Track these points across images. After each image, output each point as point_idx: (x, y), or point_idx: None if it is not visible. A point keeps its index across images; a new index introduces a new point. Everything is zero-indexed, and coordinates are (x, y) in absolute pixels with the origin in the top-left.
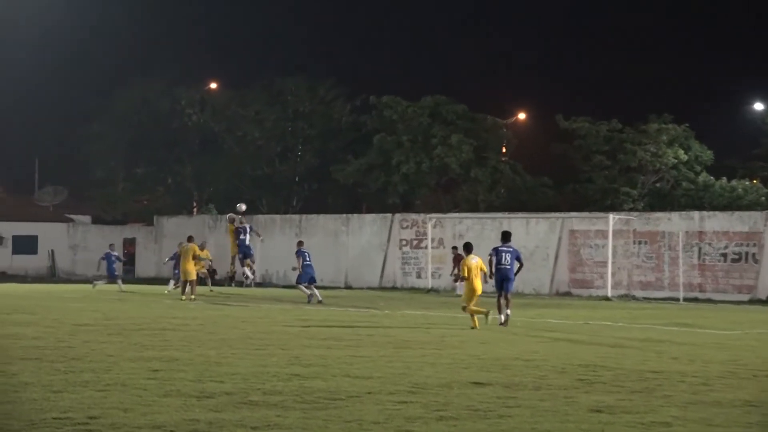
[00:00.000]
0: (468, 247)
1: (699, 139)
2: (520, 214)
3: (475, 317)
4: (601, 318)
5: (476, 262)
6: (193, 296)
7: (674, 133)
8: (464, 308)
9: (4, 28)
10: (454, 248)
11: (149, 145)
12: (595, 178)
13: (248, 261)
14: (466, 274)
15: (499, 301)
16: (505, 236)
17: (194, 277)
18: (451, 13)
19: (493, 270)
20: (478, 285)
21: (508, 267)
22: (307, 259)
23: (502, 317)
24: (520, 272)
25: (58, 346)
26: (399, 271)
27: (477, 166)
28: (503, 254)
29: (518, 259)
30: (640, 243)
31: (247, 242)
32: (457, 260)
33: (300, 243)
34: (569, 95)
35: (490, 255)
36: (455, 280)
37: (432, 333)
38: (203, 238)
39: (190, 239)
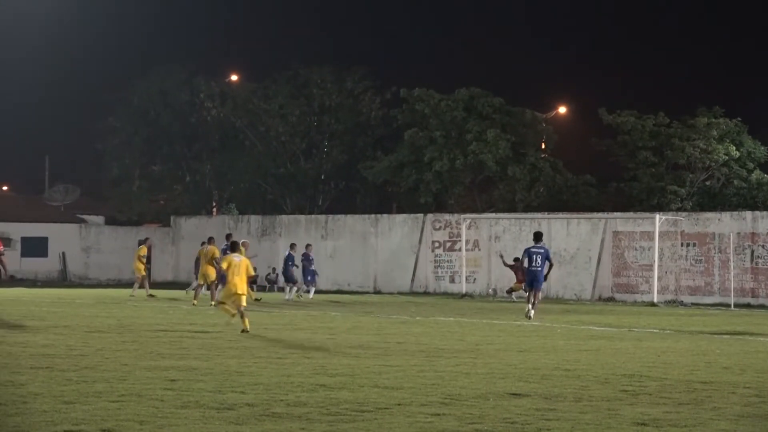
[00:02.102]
0: (234, 246)
1: (752, 134)
2: (560, 215)
3: (228, 308)
4: (646, 325)
5: (239, 260)
6: (213, 302)
7: (725, 128)
8: (217, 303)
9: (16, 21)
10: (516, 260)
11: (166, 140)
12: (640, 176)
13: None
14: (225, 266)
15: (528, 296)
16: (537, 237)
17: (214, 280)
18: (488, 2)
19: (525, 270)
20: (237, 283)
21: (539, 269)
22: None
23: (531, 309)
24: (562, 277)
25: (70, 354)
26: (431, 275)
27: (514, 163)
28: (534, 255)
29: (548, 259)
30: (688, 245)
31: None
32: (515, 270)
33: (292, 246)
34: (613, 87)
35: (522, 256)
36: (508, 291)
37: (466, 341)
38: (223, 240)
39: (210, 241)
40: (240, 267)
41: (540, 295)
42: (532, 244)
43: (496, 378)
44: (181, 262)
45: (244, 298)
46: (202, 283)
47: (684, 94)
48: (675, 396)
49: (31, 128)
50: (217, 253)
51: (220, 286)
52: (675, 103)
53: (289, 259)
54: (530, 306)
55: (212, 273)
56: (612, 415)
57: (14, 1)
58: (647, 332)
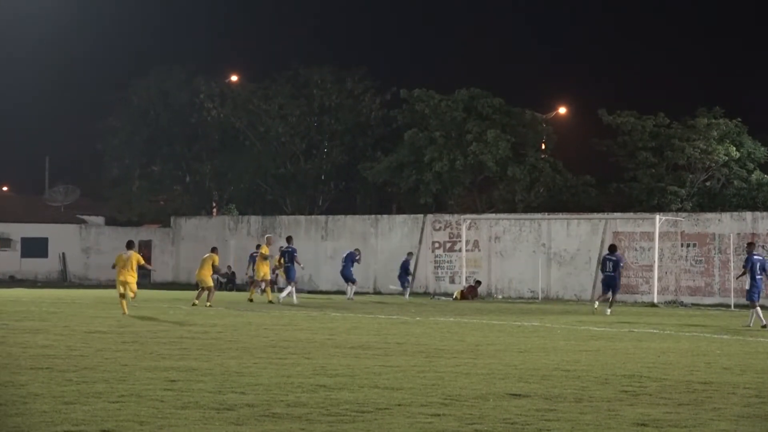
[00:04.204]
0: (129, 244)
1: (752, 135)
2: (560, 215)
3: (124, 304)
4: (646, 325)
5: (128, 256)
6: (208, 303)
7: (725, 129)
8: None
9: (16, 21)
10: (478, 283)
11: (166, 140)
12: (640, 176)
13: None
14: (116, 262)
15: (609, 300)
16: (611, 248)
17: (211, 284)
18: (488, 2)
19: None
20: (125, 276)
21: (611, 274)
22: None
23: (607, 309)
24: (562, 278)
25: (70, 354)
26: (431, 276)
27: (514, 163)
28: (607, 262)
29: (618, 265)
30: (688, 246)
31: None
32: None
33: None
34: (613, 88)
35: (601, 263)
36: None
37: (466, 341)
38: (223, 240)
39: (214, 250)
40: (129, 261)
41: (616, 296)
42: (607, 252)
43: (496, 378)
44: (181, 263)
45: (132, 286)
46: (203, 286)
47: (684, 94)
48: (675, 396)
49: (31, 128)
50: (217, 261)
51: (290, 286)
52: (675, 104)
53: (349, 259)
54: (608, 307)
55: (209, 278)
56: (612, 416)
57: (14, 1)
58: (647, 333)
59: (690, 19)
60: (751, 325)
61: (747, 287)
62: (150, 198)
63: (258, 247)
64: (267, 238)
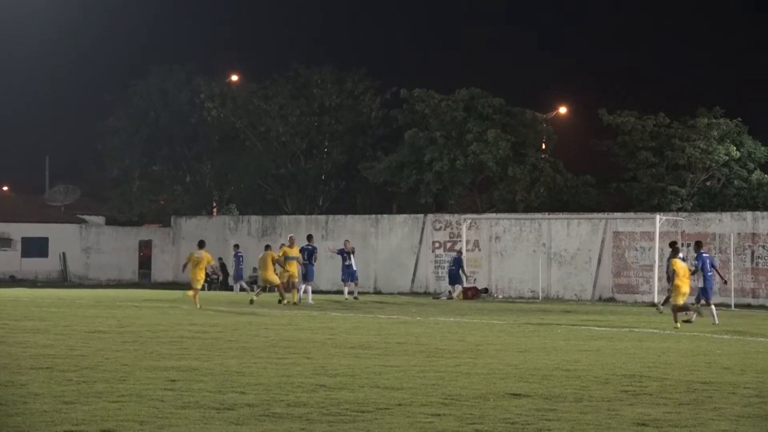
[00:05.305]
0: (201, 244)
1: (752, 135)
2: (560, 215)
3: (196, 298)
4: (646, 325)
5: (199, 255)
6: (285, 300)
7: (725, 128)
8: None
9: (16, 22)
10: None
11: (166, 140)
12: (640, 176)
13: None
14: (187, 260)
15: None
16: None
17: (278, 282)
18: (488, 2)
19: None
20: (197, 274)
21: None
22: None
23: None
24: (563, 277)
25: (70, 354)
26: (432, 276)
27: (515, 163)
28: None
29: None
30: (689, 245)
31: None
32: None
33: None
34: (613, 88)
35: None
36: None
37: (467, 341)
38: (223, 240)
39: (267, 248)
40: (201, 260)
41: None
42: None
43: (496, 378)
44: (181, 263)
45: (199, 283)
46: (266, 285)
47: (684, 94)
48: (675, 396)
49: (31, 128)
50: (276, 255)
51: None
52: (675, 104)
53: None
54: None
55: (273, 277)
56: (612, 416)
57: (15, 2)
58: (647, 332)
59: (690, 19)
60: (716, 321)
61: (700, 285)
62: (150, 198)
63: (237, 247)
64: (290, 237)
